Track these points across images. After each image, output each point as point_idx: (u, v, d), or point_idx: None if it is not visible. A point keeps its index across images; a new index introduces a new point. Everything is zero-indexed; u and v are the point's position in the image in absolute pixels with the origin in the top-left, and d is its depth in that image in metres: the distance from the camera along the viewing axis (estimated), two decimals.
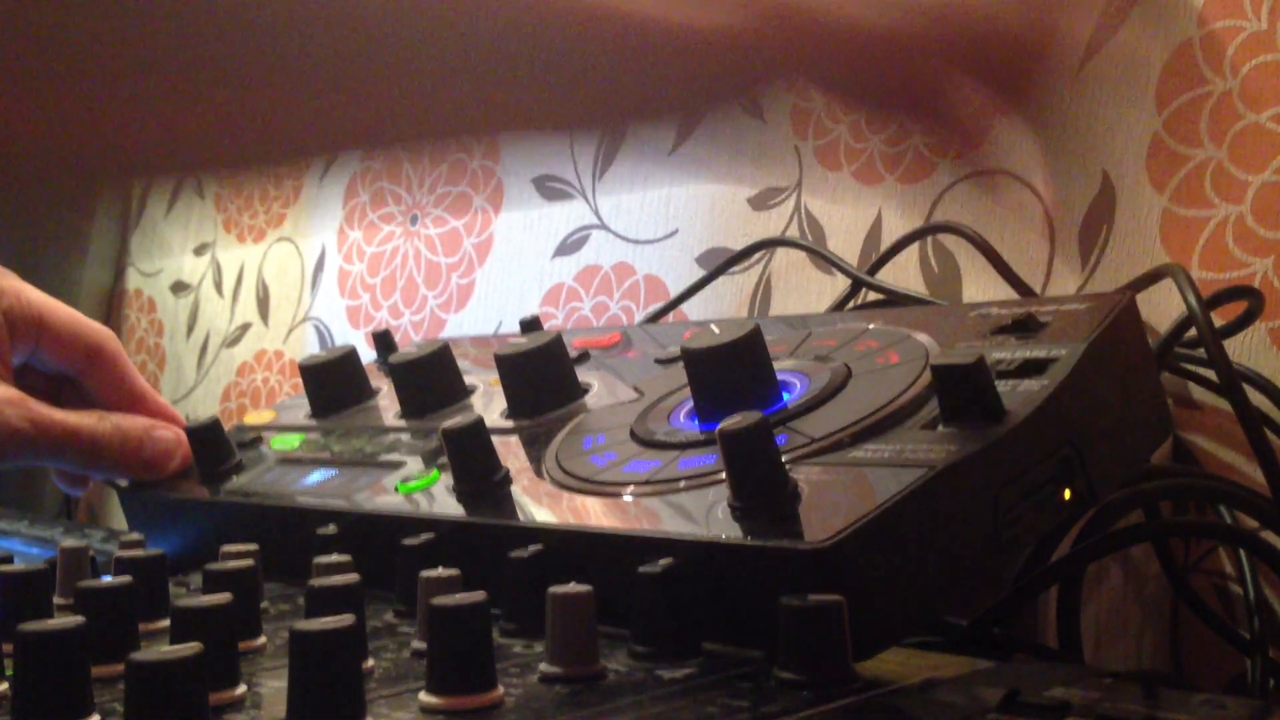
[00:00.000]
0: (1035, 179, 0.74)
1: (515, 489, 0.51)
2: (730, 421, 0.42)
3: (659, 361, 0.60)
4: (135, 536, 0.56)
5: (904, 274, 0.78)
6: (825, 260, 0.78)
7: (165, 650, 0.31)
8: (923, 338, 0.51)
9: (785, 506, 0.41)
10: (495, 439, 0.52)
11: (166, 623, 0.40)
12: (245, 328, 1.28)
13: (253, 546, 0.48)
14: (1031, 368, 0.45)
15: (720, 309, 0.87)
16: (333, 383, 0.70)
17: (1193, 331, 0.57)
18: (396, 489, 0.54)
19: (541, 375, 0.58)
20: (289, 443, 0.66)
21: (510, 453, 0.54)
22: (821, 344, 0.54)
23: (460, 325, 1.07)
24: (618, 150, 0.96)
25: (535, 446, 0.54)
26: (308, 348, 1.20)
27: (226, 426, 0.65)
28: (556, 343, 0.59)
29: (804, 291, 0.84)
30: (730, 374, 0.49)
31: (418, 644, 0.42)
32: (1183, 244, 0.68)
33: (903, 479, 0.40)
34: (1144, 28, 0.70)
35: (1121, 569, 0.60)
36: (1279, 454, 0.55)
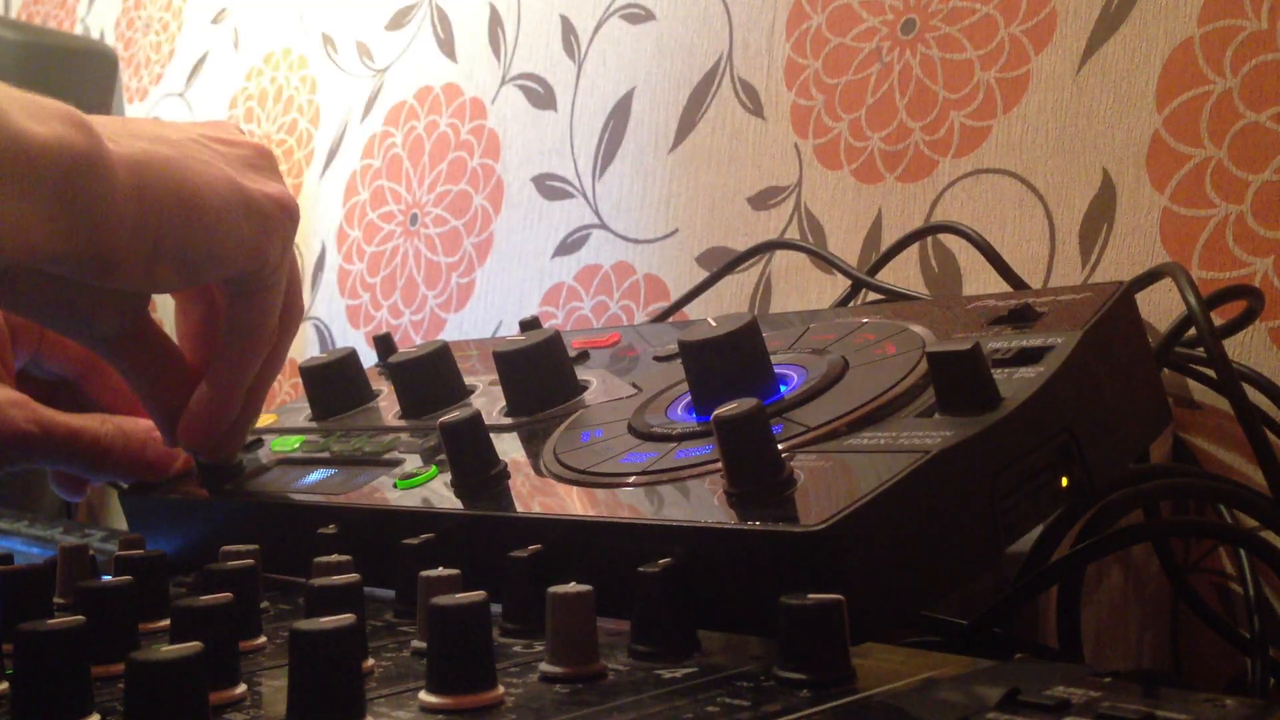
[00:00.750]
0: (1035, 179, 0.74)
1: (513, 482, 0.51)
2: (725, 408, 0.42)
3: (658, 359, 0.60)
4: (135, 536, 0.56)
5: (904, 274, 0.78)
6: (825, 261, 0.78)
7: (165, 650, 0.31)
8: (920, 329, 0.51)
9: (781, 492, 0.41)
10: (494, 436, 0.52)
11: (166, 623, 0.40)
12: None
13: (253, 546, 0.48)
14: (1028, 356, 0.45)
15: (720, 310, 0.87)
16: (333, 385, 0.70)
17: (1193, 331, 0.57)
18: (395, 485, 0.54)
19: (539, 372, 0.58)
20: (289, 444, 0.66)
21: (509, 449, 0.54)
22: (819, 338, 0.54)
23: (460, 325, 1.07)
24: (618, 150, 0.96)
25: (534, 442, 0.54)
26: (308, 348, 1.20)
27: None
28: (554, 340, 0.59)
29: (804, 292, 0.84)
30: (727, 366, 0.49)
31: (418, 643, 0.42)
32: (1183, 243, 0.68)
33: (898, 464, 0.40)
34: (1144, 27, 0.70)
35: (1121, 569, 0.60)
36: (1279, 453, 0.55)
